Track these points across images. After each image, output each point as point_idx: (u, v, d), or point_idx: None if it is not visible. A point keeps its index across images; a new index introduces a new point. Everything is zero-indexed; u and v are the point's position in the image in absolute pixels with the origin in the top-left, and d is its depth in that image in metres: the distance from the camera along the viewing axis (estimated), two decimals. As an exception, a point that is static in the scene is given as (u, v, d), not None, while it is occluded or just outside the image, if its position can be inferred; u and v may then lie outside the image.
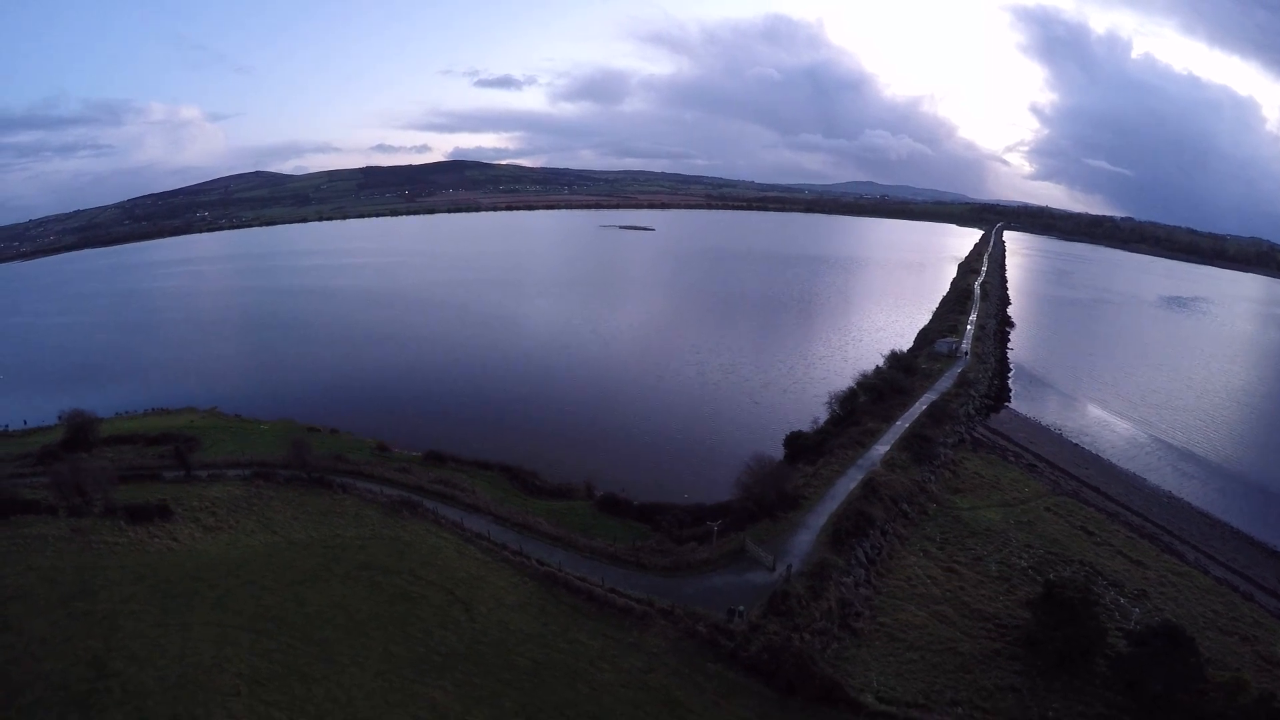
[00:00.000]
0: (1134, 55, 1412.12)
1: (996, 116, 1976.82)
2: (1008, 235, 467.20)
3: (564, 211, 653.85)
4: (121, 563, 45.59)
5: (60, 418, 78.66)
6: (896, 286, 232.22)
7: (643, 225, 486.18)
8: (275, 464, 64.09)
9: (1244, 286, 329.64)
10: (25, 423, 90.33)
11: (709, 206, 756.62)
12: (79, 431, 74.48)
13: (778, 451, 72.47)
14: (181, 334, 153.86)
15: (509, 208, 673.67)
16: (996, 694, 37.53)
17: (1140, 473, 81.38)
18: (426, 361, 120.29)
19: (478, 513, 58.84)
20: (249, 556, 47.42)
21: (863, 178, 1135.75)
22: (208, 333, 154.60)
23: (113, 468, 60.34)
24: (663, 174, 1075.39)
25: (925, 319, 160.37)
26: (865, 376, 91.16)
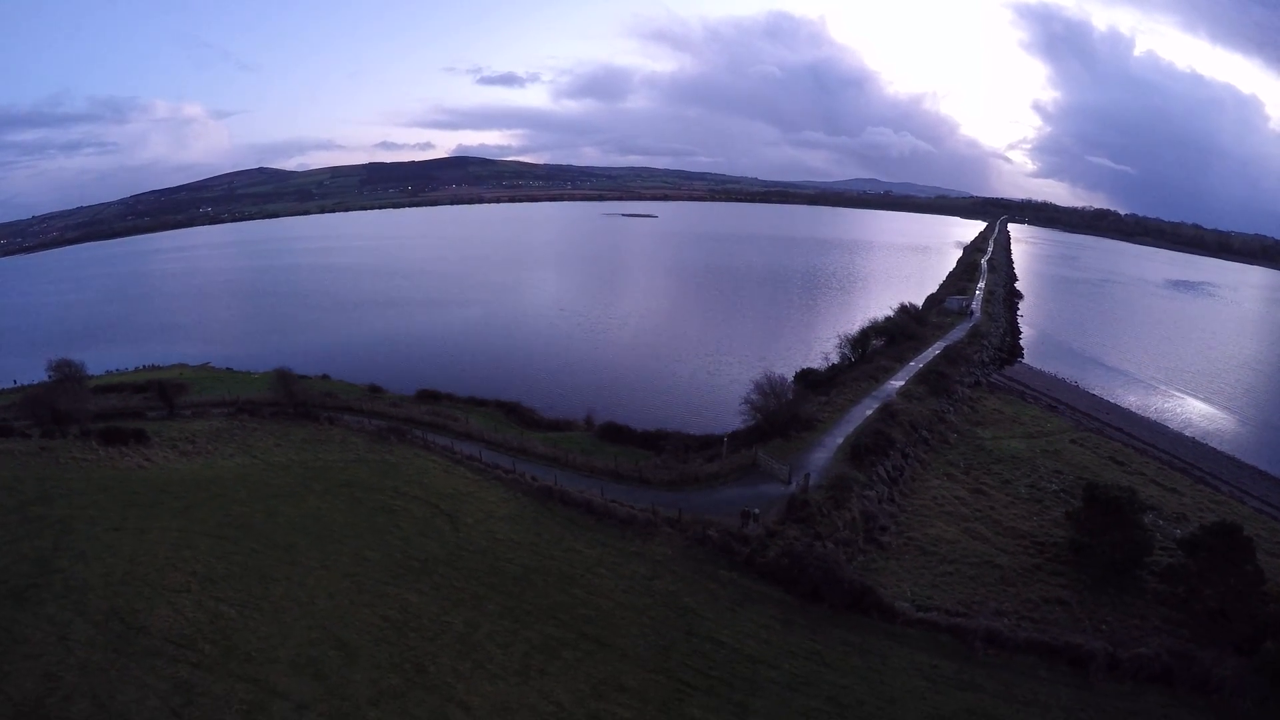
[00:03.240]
0: (1136, 53, 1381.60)
1: (999, 114, 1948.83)
2: (1012, 227, 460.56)
3: (567, 203, 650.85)
4: (88, 475, 42.77)
5: (48, 371, 75.78)
6: (902, 265, 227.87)
7: (646, 213, 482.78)
8: (262, 402, 60.98)
9: (1250, 276, 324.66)
10: (15, 382, 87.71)
11: (712, 199, 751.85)
12: (65, 381, 71.30)
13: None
14: (178, 304, 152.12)
15: (512, 199, 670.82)
16: (1043, 606, 33.66)
17: (1162, 420, 77.72)
18: (424, 320, 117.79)
19: (470, 440, 55.31)
20: (222, 474, 44.13)
21: (866, 175, 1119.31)
22: (204, 302, 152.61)
23: (91, 395, 57.39)
24: (666, 170, 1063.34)
25: (933, 289, 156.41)
26: (876, 322, 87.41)
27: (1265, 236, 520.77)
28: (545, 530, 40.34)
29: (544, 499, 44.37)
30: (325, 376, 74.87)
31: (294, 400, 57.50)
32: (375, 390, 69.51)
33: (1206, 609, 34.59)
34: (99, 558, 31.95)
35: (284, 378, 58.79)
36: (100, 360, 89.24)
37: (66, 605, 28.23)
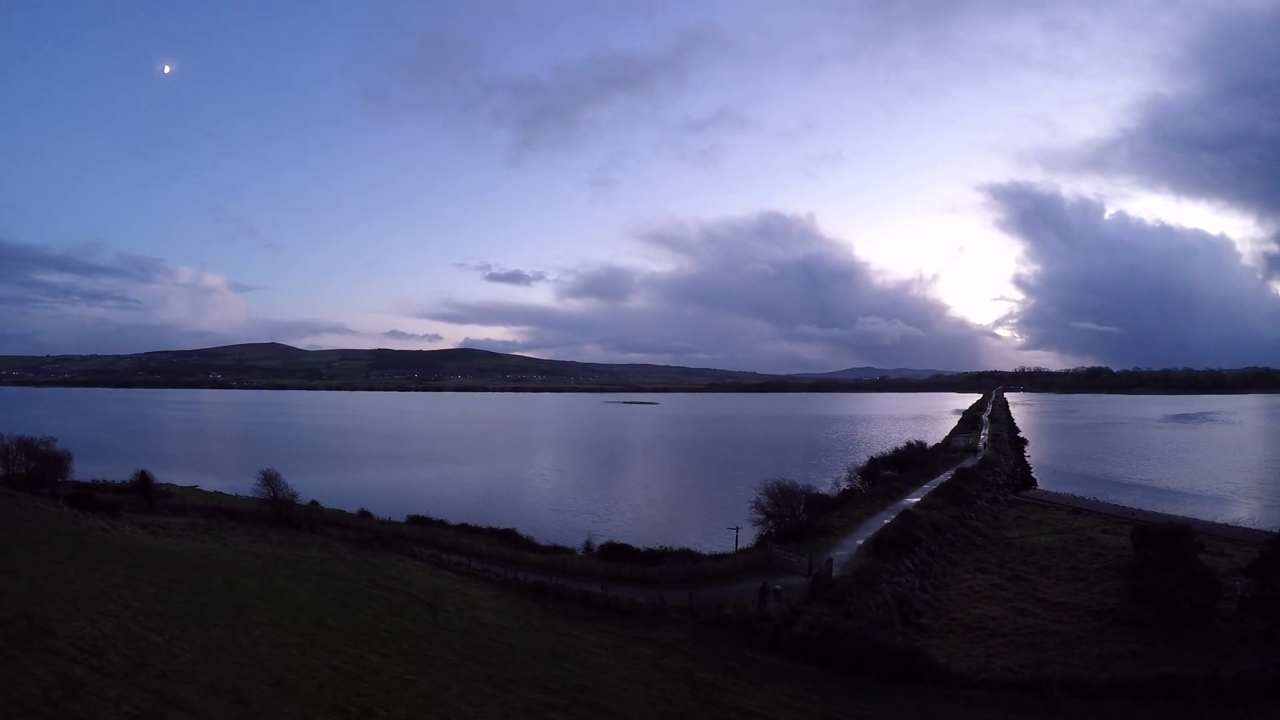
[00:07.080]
0: (1106, 216, 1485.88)
1: (984, 292, 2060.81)
2: (1007, 395, 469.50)
3: (569, 394, 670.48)
4: (44, 521, 39.60)
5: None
6: (903, 431, 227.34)
7: (647, 401, 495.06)
8: (244, 509, 58.13)
9: (1247, 402, 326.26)
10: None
11: (711, 390, 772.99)
12: (43, 448, 67.37)
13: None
14: (175, 441, 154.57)
15: (515, 390, 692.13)
16: (1116, 660, 28.66)
17: (1194, 516, 72.72)
18: (421, 471, 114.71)
19: (459, 553, 51.03)
20: (187, 551, 40.32)
21: (861, 364, 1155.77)
22: (201, 441, 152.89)
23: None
24: (666, 367, 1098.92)
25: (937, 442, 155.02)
26: (885, 454, 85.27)
27: (1255, 367, 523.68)
28: (536, 619, 35.59)
29: (537, 595, 39.82)
30: (314, 503, 71.49)
31: (277, 505, 54.29)
32: (364, 514, 66.24)
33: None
34: (29, 576, 27.98)
35: (270, 480, 56.02)
36: (86, 470, 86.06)
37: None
